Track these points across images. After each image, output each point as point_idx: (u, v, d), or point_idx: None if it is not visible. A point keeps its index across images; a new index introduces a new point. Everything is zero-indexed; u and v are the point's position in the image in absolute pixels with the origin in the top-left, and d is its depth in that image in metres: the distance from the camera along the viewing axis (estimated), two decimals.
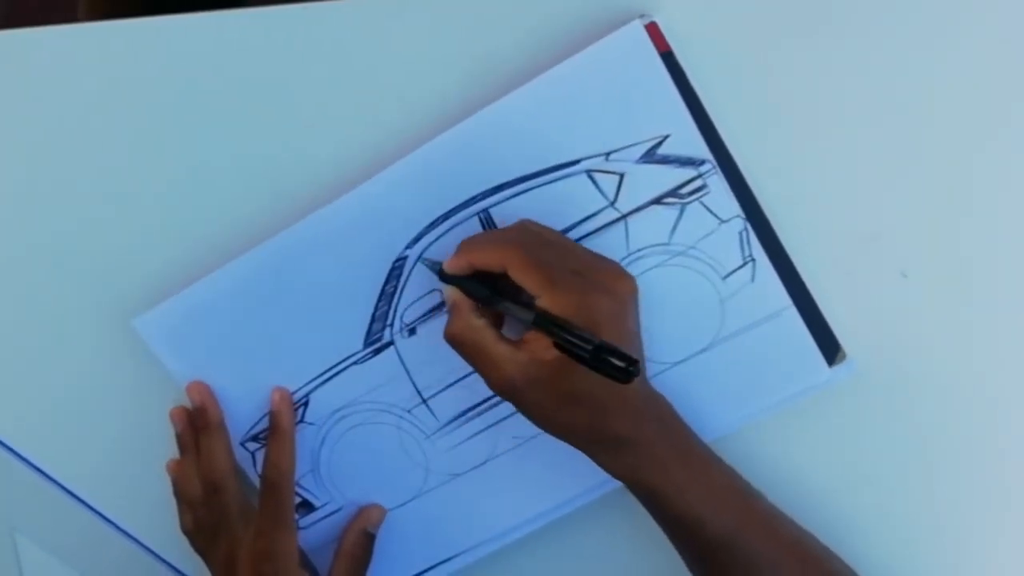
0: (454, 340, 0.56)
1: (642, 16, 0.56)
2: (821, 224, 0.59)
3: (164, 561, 0.67)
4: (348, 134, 0.60)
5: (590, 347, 0.50)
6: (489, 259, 0.54)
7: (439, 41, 0.59)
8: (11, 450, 0.66)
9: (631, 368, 0.49)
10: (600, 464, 0.56)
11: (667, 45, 0.57)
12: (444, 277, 0.56)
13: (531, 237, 0.55)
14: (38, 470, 0.66)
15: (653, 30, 0.56)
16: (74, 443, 0.66)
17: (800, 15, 0.58)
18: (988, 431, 0.61)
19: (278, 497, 0.60)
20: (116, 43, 0.61)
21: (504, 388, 0.54)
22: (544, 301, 0.52)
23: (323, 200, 0.59)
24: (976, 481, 0.62)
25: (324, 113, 0.61)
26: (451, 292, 0.56)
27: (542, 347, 0.53)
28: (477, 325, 0.55)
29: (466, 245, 0.56)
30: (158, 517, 0.65)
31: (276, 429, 0.61)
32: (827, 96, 0.58)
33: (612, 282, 0.55)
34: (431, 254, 0.59)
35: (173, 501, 0.63)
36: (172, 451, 0.63)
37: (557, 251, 0.55)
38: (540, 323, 0.52)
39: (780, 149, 0.59)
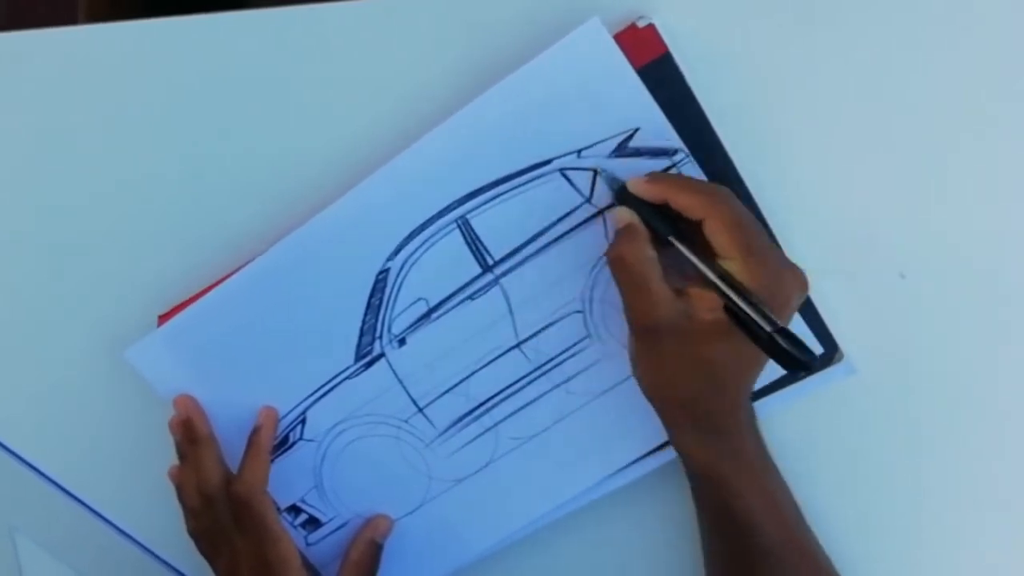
0: (621, 262, 0.53)
1: (640, 18, 0.57)
2: (820, 225, 0.59)
3: (163, 562, 0.68)
4: (326, 143, 0.61)
5: (770, 328, 0.48)
6: (692, 203, 0.52)
7: (414, 46, 0.60)
8: (10, 451, 0.67)
9: (809, 361, 0.48)
10: (680, 442, 0.56)
11: (664, 47, 0.57)
12: (624, 197, 0.55)
13: (734, 199, 0.53)
14: (37, 471, 0.67)
15: (650, 32, 0.56)
16: (74, 444, 0.67)
17: (798, 16, 0.58)
18: (986, 432, 0.61)
19: (251, 511, 0.60)
20: (116, 45, 0.62)
21: (646, 325, 0.53)
22: (735, 266, 0.51)
23: (306, 211, 0.60)
24: (974, 482, 0.62)
25: (306, 119, 0.61)
26: (629, 214, 0.54)
27: (705, 306, 0.51)
28: (650, 256, 0.52)
29: (667, 179, 0.54)
30: (158, 518, 0.65)
31: (249, 444, 0.61)
32: (826, 97, 0.58)
33: (799, 273, 0.53)
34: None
35: (172, 502, 0.63)
36: (171, 451, 0.63)
37: (756, 223, 0.53)
38: (720, 286, 0.50)
39: (779, 150, 0.59)
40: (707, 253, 0.52)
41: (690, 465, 0.57)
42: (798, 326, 0.59)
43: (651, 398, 0.56)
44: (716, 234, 0.51)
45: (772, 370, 0.58)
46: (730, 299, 0.50)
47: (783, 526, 0.56)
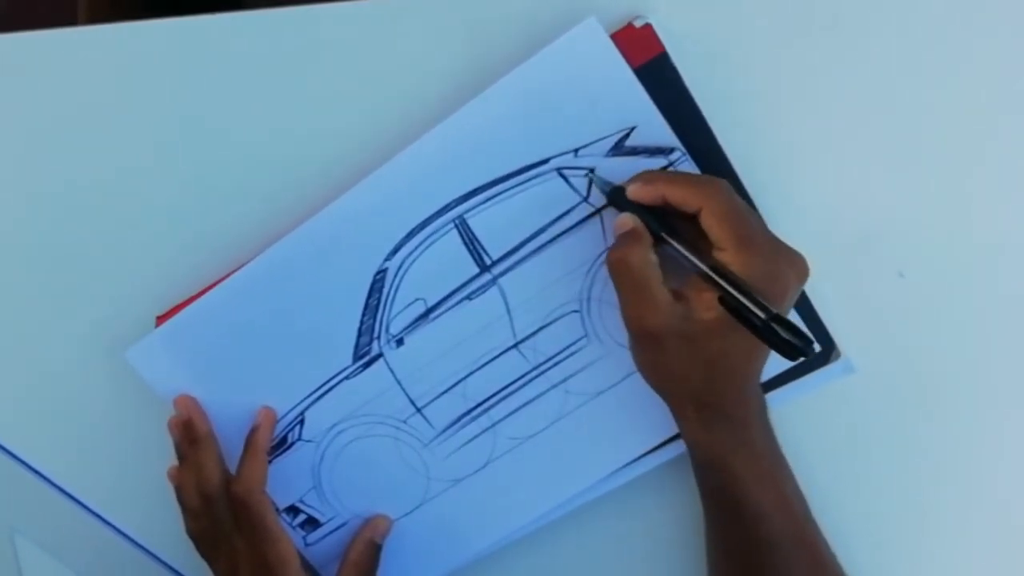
0: (624, 266, 0.53)
1: (637, 17, 0.57)
2: (818, 224, 0.59)
3: (163, 562, 0.68)
4: (325, 143, 0.61)
5: (764, 316, 0.48)
6: (686, 195, 0.52)
7: (412, 47, 0.60)
8: (9, 453, 0.67)
9: (805, 347, 0.47)
10: (688, 430, 0.56)
11: (661, 46, 0.57)
12: (618, 200, 0.55)
13: (730, 190, 0.53)
14: (37, 472, 0.67)
15: (647, 31, 0.56)
16: (73, 444, 0.66)
17: (795, 15, 0.58)
18: (985, 430, 0.61)
19: (249, 511, 0.59)
20: (116, 45, 0.62)
21: (647, 330, 0.53)
22: (728, 256, 0.51)
23: (305, 211, 0.60)
24: (973, 480, 0.62)
25: (305, 119, 0.61)
26: (632, 219, 0.54)
27: (703, 305, 0.52)
28: (652, 261, 0.53)
29: (661, 177, 0.54)
30: (157, 519, 0.65)
31: (247, 444, 0.61)
32: (823, 95, 0.58)
33: (797, 260, 0.53)
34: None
35: (171, 503, 0.63)
36: (171, 452, 0.63)
37: (752, 213, 0.53)
38: (713, 277, 0.50)
39: (776, 148, 0.59)
40: (702, 248, 0.52)
41: (698, 456, 0.57)
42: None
43: (658, 391, 0.56)
44: (710, 225, 0.51)
45: (775, 364, 0.58)
46: (723, 289, 0.50)
47: (792, 519, 0.56)
